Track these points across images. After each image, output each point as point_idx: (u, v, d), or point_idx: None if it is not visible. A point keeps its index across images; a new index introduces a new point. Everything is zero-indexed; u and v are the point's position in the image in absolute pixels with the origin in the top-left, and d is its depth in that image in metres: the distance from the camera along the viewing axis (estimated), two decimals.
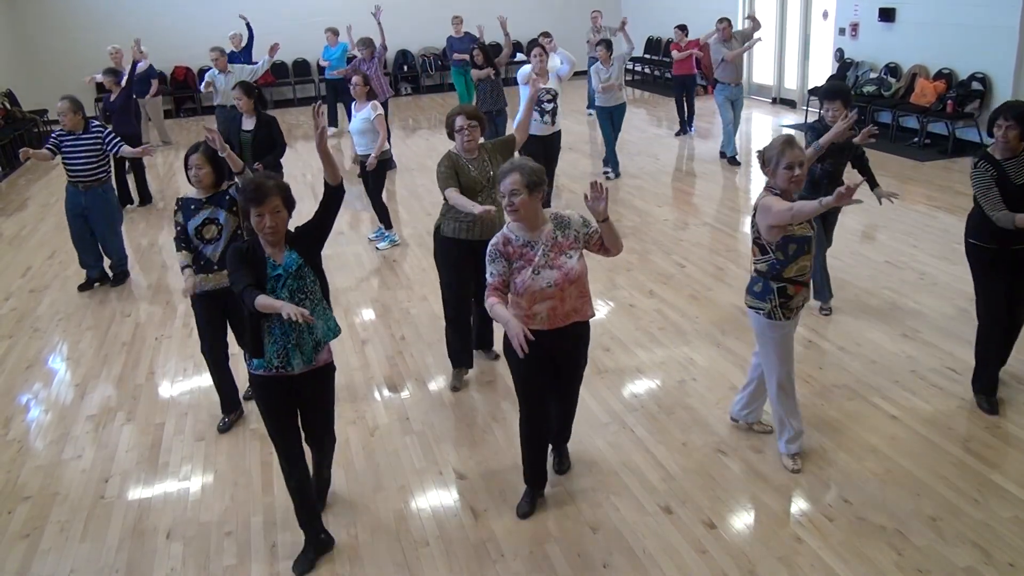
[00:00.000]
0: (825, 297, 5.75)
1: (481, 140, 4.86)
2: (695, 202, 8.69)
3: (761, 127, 12.21)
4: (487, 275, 3.53)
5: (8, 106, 13.28)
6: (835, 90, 5.50)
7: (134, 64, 9.81)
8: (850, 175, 4.98)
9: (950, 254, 6.63)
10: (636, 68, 16.60)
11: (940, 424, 4.39)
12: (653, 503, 3.90)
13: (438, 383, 5.18)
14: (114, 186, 7.16)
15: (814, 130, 5.35)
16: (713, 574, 3.45)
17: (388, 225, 7.77)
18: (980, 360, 4.53)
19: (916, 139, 10.31)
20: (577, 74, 9.81)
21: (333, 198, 3.54)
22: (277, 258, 3.38)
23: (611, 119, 9.38)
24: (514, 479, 4.03)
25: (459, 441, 4.54)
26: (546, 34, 10.36)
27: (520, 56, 13.27)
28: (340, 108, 12.66)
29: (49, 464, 4.56)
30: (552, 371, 3.73)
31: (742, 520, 3.77)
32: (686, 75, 11.48)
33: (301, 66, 16.30)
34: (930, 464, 4.06)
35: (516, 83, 8.16)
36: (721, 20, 9.90)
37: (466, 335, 5.09)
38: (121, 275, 7.21)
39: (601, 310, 6.05)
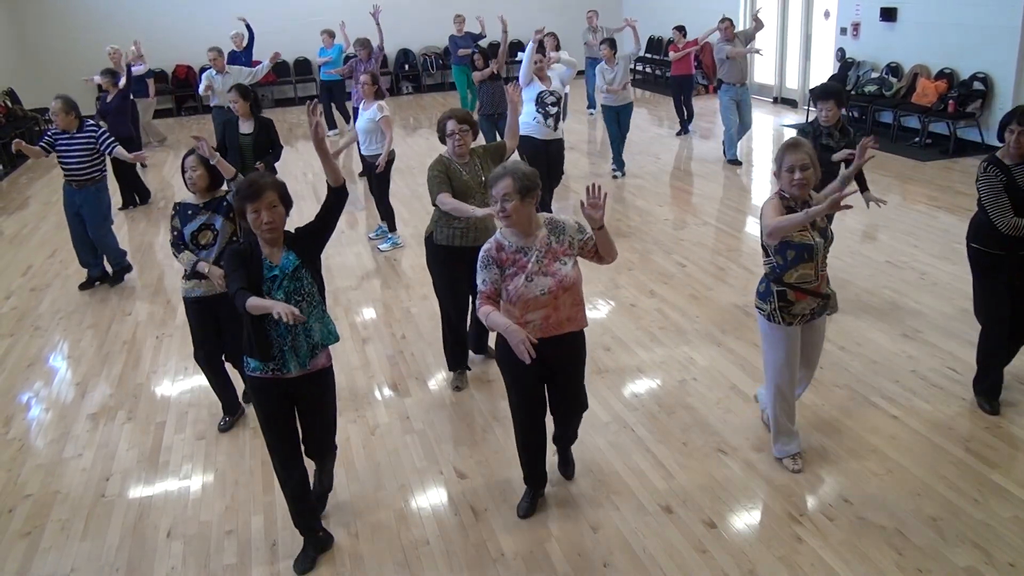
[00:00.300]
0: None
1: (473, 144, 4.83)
2: (696, 202, 8.68)
3: (762, 127, 12.19)
4: (479, 282, 3.44)
5: (9, 104, 13.29)
6: (828, 90, 5.44)
7: (128, 67, 9.84)
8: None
9: (951, 254, 6.63)
10: (637, 67, 16.60)
11: (941, 424, 4.39)
12: (653, 503, 3.90)
13: (439, 382, 5.18)
14: (107, 186, 7.14)
15: (804, 133, 5.33)
16: (713, 574, 3.45)
17: (392, 227, 7.76)
18: (982, 364, 4.50)
19: (917, 139, 10.31)
20: (577, 73, 9.80)
21: (335, 199, 3.47)
22: (274, 258, 3.34)
23: (617, 119, 9.37)
24: (514, 478, 4.03)
25: (459, 440, 4.54)
26: (551, 35, 10.38)
27: (520, 55, 13.27)
28: (335, 112, 12.59)
29: (50, 463, 4.56)
30: (548, 377, 3.65)
31: (742, 520, 3.77)
32: (682, 76, 11.51)
33: (302, 65, 16.30)
34: (930, 464, 4.06)
35: (518, 83, 8.11)
36: (723, 19, 9.90)
37: (462, 339, 5.09)
38: (121, 272, 7.22)
39: (602, 309, 6.05)
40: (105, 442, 4.73)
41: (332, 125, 12.73)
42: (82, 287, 7.12)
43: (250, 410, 4.88)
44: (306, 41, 15.09)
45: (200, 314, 4.54)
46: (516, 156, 5.45)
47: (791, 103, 13.29)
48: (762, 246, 3.83)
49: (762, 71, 13.89)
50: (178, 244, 4.44)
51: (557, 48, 10.17)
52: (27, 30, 14.94)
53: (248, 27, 11.88)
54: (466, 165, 4.73)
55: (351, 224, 8.49)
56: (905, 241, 7.09)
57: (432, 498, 4.06)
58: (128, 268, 7.31)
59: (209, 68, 10.31)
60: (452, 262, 4.78)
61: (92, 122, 6.87)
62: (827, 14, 12.42)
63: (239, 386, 4.87)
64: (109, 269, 7.24)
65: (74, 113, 6.69)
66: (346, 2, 14.65)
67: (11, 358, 5.91)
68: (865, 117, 11.18)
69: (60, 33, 15.03)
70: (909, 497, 3.83)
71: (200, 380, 5.31)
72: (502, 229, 3.49)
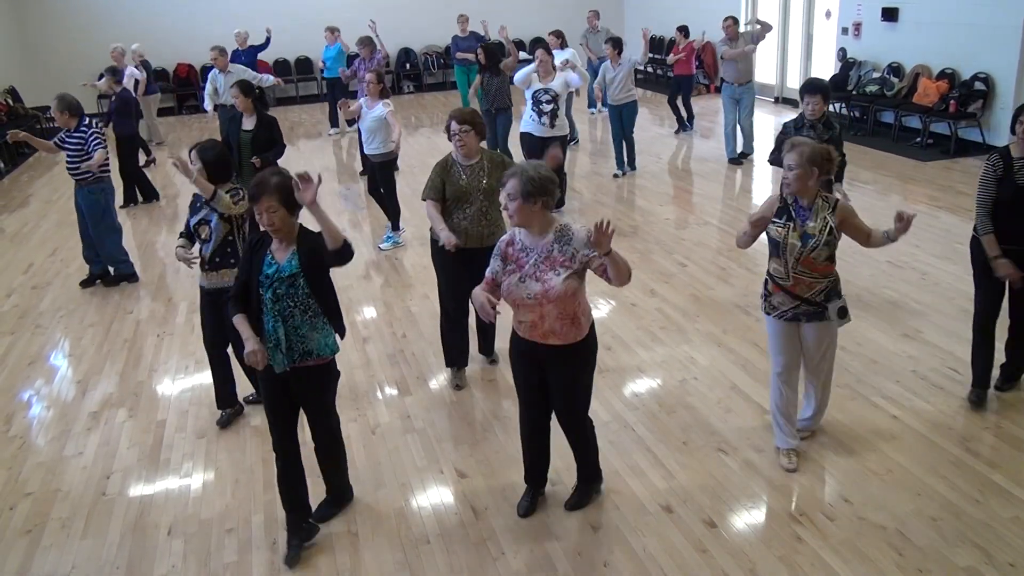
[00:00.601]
0: None
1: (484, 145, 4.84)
2: (697, 201, 8.68)
3: (763, 126, 12.17)
4: (488, 270, 3.52)
5: (11, 102, 13.30)
6: (816, 85, 5.54)
7: (120, 71, 9.96)
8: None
9: (952, 254, 6.63)
10: (638, 67, 16.57)
11: (941, 424, 4.39)
12: (654, 502, 3.90)
13: (439, 381, 5.18)
14: (113, 187, 7.13)
15: (788, 127, 5.53)
16: (713, 573, 3.45)
17: (396, 226, 7.77)
18: (974, 349, 4.53)
19: (919, 139, 10.30)
20: None
21: (335, 261, 3.35)
22: (279, 256, 3.39)
23: (620, 117, 9.38)
24: (515, 477, 4.03)
25: (460, 439, 4.54)
26: (557, 33, 10.36)
27: (524, 55, 13.26)
28: (339, 110, 12.63)
29: (50, 461, 4.57)
30: (546, 380, 3.64)
31: (743, 519, 3.77)
32: (681, 76, 11.63)
33: (303, 64, 16.30)
34: (931, 464, 4.06)
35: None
36: (726, 19, 9.91)
37: (460, 336, 5.09)
38: (120, 277, 7.14)
39: (602, 309, 6.05)
40: (106, 440, 4.74)
41: (335, 123, 12.79)
42: (83, 284, 7.12)
43: (250, 409, 4.89)
44: (308, 40, 15.11)
45: (210, 305, 4.62)
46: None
47: (792, 103, 13.28)
48: None
49: (763, 71, 13.89)
50: (186, 232, 4.64)
51: (563, 46, 10.16)
52: (29, 29, 14.94)
53: (268, 38, 12.20)
54: (469, 168, 4.73)
55: (354, 225, 8.49)
56: (906, 241, 7.04)
57: (432, 497, 4.06)
58: (129, 277, 7.16)
59: (212, 68, 10.35)
60: (453, 262, 4.80)
61: (86, 122, 6.86)
62: (828, 14, 12.42)
63: (240, 387, 4.88)
64: (111, 269, 7.24)
65: (69, 112, 6.69)
66: (346, 2, 14.65)
67: (12, 356, 5.91)
68: (866, 117, 11.18)
69: (61, 32, 15.04)
70: (909, 497, 3.83)
71: (201, 378, 5.31)
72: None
